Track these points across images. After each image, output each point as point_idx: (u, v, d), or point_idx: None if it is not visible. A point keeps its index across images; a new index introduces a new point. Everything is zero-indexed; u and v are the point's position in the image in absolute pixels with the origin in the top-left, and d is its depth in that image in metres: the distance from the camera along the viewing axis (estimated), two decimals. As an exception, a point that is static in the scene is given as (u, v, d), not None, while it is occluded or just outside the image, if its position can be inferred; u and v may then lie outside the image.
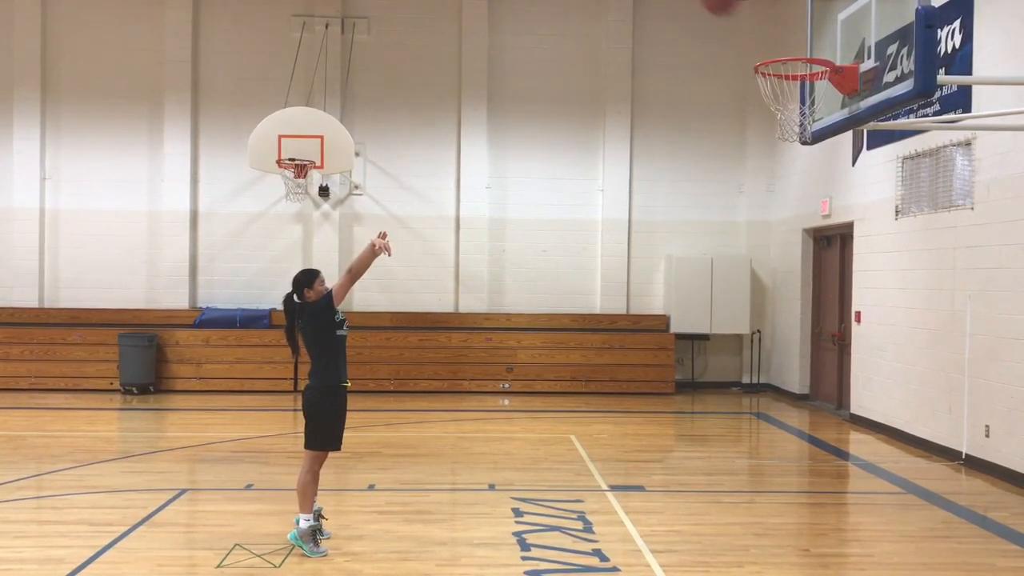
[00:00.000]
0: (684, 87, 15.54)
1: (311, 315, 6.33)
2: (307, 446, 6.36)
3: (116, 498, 7.67)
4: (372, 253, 6.15)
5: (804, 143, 7.62)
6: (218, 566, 5.88)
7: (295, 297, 6.40)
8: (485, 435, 11.10)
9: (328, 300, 6.31)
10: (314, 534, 6.20)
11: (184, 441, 10.31)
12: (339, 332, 6.37)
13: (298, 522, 6.25)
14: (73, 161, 15.14)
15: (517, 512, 7.26)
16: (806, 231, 14.14)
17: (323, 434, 6.34)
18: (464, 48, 15.29)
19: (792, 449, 10.79)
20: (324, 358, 6.34)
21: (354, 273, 6.24)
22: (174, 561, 6.06)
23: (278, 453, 9.73)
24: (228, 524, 6.84)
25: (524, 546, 6.37)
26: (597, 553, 6.23)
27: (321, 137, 12.43)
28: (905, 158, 10.66)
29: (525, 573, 5.81)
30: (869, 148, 11.73)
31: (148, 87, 15.12)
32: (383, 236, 6.21)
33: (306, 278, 6.42)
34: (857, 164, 12.15)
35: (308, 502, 6.27)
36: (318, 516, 6.32)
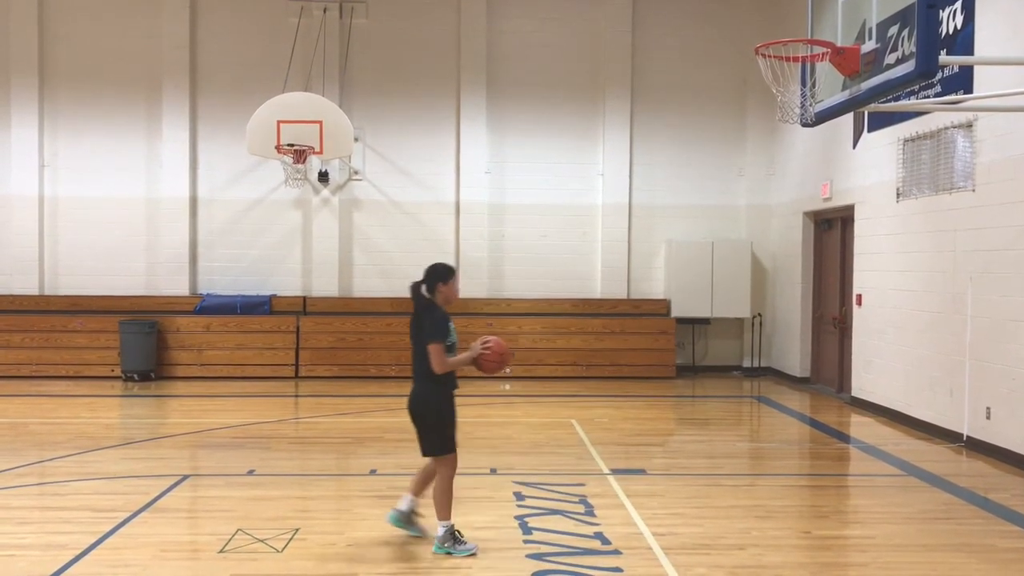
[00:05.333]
0: (684, 71, 15.47)
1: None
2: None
3: (118, 484, 7.68)
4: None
5: (805, 125, 7.59)
6: (220, 551, 5.89)
7: (424, 289, 5.89)
8: (486, 420, 11.11)
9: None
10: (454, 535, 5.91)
11: (185, 427, 10.31)
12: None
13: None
14: (71, 148, 15.10)
15: (519, 496, 7.27)
16: (807, 214, 14.10)
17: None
18: (463, 32, 15.22)
19: (793, 432, 10.80)
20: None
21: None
22: (176, 546, 6.07)
23: (279, 439, 9.73)
24: (230, 509, 6.85)
25: (526, 529, 6.38)
26: (599, 536, 6.24)
27: (320, 122, 12.39)
28: (906, 140, 10.62)
29: (527, 556, 5.82)
30: (870, 130, 11.69)
31: (146, 73, 15.06)
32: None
33: (442, 272, 5.91)
34: (858, 147, 12.11)
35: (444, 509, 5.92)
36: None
